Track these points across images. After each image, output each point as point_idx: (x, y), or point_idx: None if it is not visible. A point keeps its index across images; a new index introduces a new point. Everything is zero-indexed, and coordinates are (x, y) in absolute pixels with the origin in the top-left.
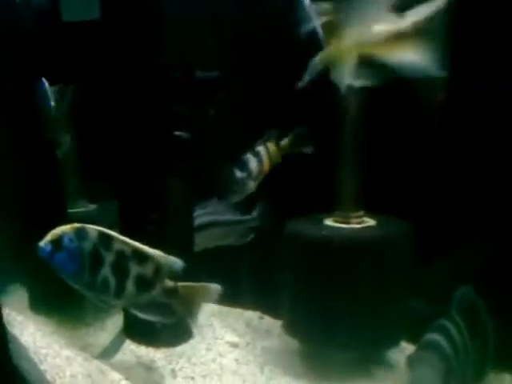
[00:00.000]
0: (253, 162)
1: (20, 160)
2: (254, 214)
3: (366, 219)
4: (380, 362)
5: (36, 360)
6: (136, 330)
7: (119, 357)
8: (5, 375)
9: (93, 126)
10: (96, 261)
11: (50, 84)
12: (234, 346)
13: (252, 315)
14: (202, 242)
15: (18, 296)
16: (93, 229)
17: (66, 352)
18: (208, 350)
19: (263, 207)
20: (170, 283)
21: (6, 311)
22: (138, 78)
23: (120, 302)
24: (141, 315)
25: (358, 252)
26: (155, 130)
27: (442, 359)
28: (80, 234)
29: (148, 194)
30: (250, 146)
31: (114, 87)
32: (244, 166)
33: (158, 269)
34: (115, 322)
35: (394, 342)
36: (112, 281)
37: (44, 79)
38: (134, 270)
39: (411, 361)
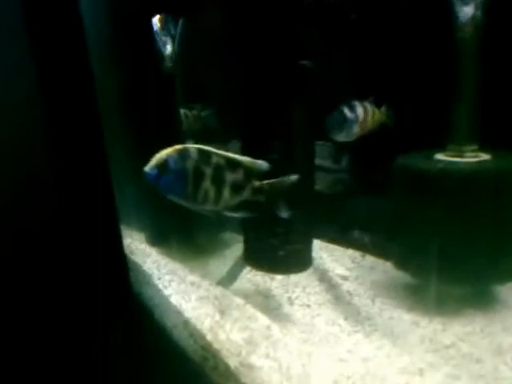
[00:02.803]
0: (360, 109)
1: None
2: (343, 163)
3: (479, 153)
4: (492, 298)
5: (160, 286)
6: (256, 259)
7: (237, 285)
8: (126, 301)
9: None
10: (198, 176)
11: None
12: (344, 278)
13: (354, 253)
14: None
15: (135, 235)
16: (193, 148)
17: (191, 278)
18: (321, 280)
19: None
20: (257, 183)
21: (127, 241)
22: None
23: (217, 207)
24: (234, 215)
25: (477, 185)
26: (279, 58)
27: None
28: (183, 155)
29: (272, 122)
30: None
31: (230, 16)
32: (353, 109)
33: (248, 173)
34: (233, 252)
35: (508, 280)
36: (211, 191)
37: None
38: (229, 177)
39: None
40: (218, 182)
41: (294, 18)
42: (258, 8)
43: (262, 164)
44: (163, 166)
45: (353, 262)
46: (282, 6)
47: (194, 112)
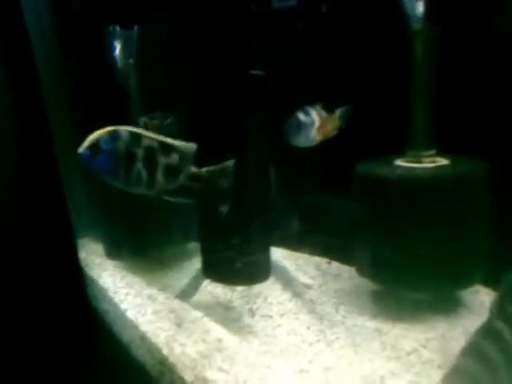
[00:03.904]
0: (315, 114)
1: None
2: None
3: (438, 159)
4: (454, 303)
5: (116, 300)
6: (214, 271)
7: (197, 297)
8: (81, 317)
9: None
10: (130, 158)
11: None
12: (308, 287)
13: (320, 260)
14: None
15: (92, 247)
16: (124, 129)
17: (148, 291)
18: (283, 290)
19: None
20: (193, 169)
21: (83, 255)
22: (208, 9)
23: (152, 191)
24: (172, 200)
25: (435, 190)
26: (229, 69)
27: None
28: (113, 136)
29: (224, 134)
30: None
31: (182, 23)
32: (307, 114)
33: (182, 157)
34: (193, 264)
35: (469, 284)
36: (144, 174)
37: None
38: (162, 160)
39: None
40: (151, 164)
41: (247, 28)
42: (210, 17)
43: (190, 145)
44: (95, 147)
45: (317, 269)
46: (234, 17)
47: (155, 121)
